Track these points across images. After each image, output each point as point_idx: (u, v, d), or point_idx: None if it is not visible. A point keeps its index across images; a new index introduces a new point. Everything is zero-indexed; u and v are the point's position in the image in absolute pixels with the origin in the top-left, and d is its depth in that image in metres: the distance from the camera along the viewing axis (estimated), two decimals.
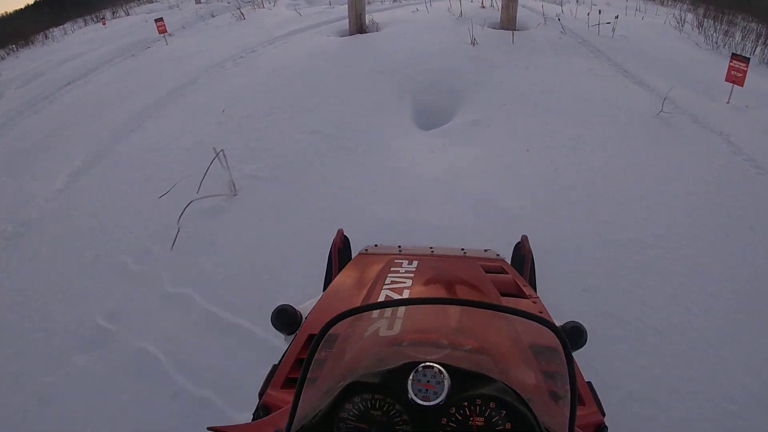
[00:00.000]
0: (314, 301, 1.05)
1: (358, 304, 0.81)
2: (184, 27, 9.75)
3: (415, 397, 0.53)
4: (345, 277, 1.11)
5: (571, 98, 4.59)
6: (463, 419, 0.52)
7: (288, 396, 0.70)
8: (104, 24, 13.99)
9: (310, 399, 0.59)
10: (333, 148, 3.98)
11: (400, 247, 1.27)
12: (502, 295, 0.98)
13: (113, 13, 16.36)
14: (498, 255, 1.25)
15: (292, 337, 0.96)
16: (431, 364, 0.54)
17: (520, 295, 1.02)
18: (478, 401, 0.52)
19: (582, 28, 6.81)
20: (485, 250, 1.27)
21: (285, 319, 0.96)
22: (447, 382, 0.53)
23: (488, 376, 0.54)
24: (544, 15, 7.15)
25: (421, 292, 0.95)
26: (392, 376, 0.54)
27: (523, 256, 1.43)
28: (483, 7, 8.09)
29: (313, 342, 0.57)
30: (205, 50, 7.38)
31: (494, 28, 6.73)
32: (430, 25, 6.77)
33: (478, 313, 0.68)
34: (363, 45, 6.17)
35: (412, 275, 1.02)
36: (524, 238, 1.47)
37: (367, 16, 7.11)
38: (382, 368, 0.56)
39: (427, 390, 0.52)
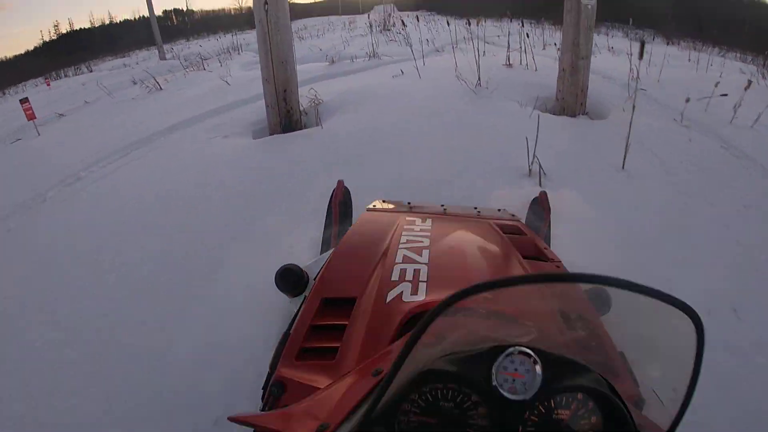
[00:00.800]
0: (320, 260, 0.99)
1: (373, 264, 0.81)
2: (87, 102, 6.97)
3: (501, 389, 0.43)
4: (354, 235, 0.99)
5: None
6: (546, 412, 0.44)
7: (304, 370, 0.63)
8: (48, 85, 12.29)
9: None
10: None
11: (409, 203, 1.19)
12: (524, 258, 0.88)
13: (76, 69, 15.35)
14: (513, 215, 1.20)
15: (299, 299, 0.90)
16: (523, 349, 0.43)
17: (542, 258, 0.94)
18: (566, 392, 0.44)
19: (680, 103, 3.61)
20: (498, 210, 1.21)
21: (291, 279, 0.91)
22: (539, 373, 0.42)
23: (582, 364, 0.45)
24: (627, 85, 4.09)
25: (442, 252, 0.85)
26: (475, 362, 0.44)
27: (540, 212, 1.45)
28: (509, 65, 5.17)
29: (426, 317, 0.38)
30: (84, 142, 4.50)
31: (549, 112, 3.73)
32: (426, 106, 3.75)
33: (545, 291, 0.52)
34: (278, 168, 3.05)
35: (428, 234, 0.93)
36: (543, 195, 1.43)
37: (307, 92, 4.09)
38: (462, 353, 0.45)
39: (514, 380, 0.43)
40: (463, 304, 0.38)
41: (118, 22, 24.09)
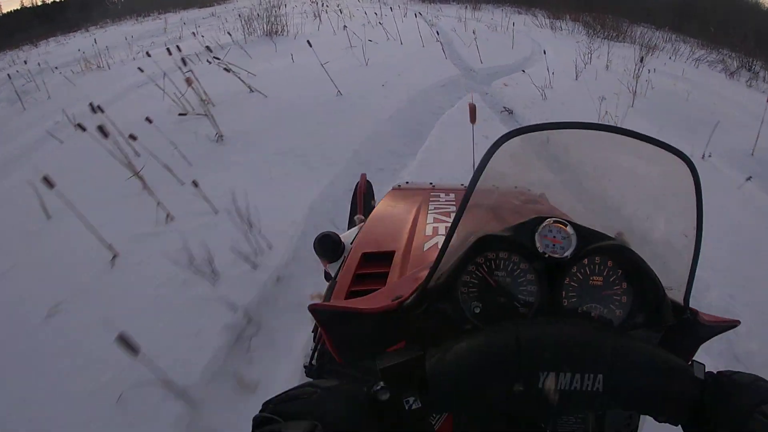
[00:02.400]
0: (353, 231, 1.07)
1: (407, 225, 0.91)
2: None
3: (545, 251, 0.49)
4: (385, 206, 1.12)
5: None
6: (583, 278, 0.50)
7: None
8: None
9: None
10: None
11: (432, 183, 1.26)
12: None
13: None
14: (529, 190, 1.05)
15: (336, 264, 0.97)
16: (558, 219, 0.50)
17: None
18: (597, 260, 0.50)
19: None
20: (515, 187, 1.04)
21: (329, 245, 0.98)
22: (574, 237, 0.49)
23: (608, 235, 0.51)
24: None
25: (469, 218, 0.73)
26: (521, 231, 0.50)
27: None
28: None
29: (486, 155, 0.47)
30: None
31: None
32: None
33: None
34: None
35: (454, 203, 1.03)
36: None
37: None
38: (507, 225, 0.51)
39: (554, 245, 0.49)
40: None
41: None
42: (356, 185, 1.61)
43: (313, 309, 0.49)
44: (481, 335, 0.42)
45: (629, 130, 0.48)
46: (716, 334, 0.52)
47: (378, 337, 0.50)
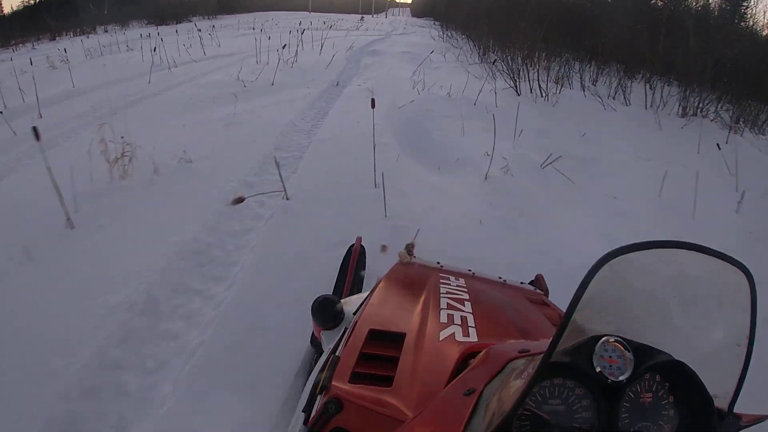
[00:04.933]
0: (353, 299, 1.04)
1: (418, 307, 0.86)
2: None
3: (604, 372, 0.47)
4: (393, 281, 1.04)
5: None
6: (635, 396, 0.49)
7: (360, 392, 0.63)
8: None
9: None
10: None
11: (439, 263, 1.18)
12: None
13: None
14: (535, 289, 1.21)
15: (332, 333, 0.92)
16: (614, 337, 0.48)
17: None
18: (647, 376, 0.49)
19: None
20: (521, 283, 1.23)
21: (330, 310, 0.93)
22: (630, 356, 0.47)
23: (657, 349, 0.50)
24: None
25: (483, 306, 0.90)
26: (579, 353, 0.47)
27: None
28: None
29: (595, 266, 0.44)
30: None
31: None
32: None
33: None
34: None
35: (465, 290, 0.97)
36: (540, 277, 1.38)
37: None
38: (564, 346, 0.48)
39: (611, 366, 0.47)
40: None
41: None
42: (350, 247, 1.58)
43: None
44: None
45: (699, 246, 0.47)
46: (747, 427, 0.52)
47: None
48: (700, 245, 0.48)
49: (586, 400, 0.48)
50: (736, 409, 0.50)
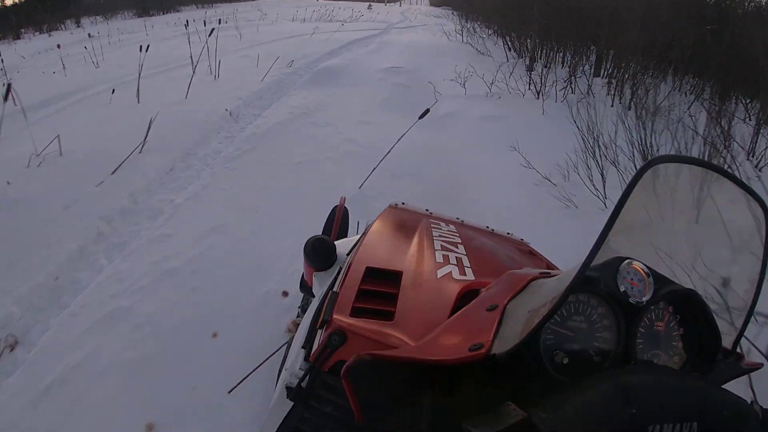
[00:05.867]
0: (346, 242, 1.02)
1: (413, 246, 0.86)
2: None
3: (628, 292, 0.49)
4: (385, 223, 1.02)
5: None
6: (649, 324, 0.50)
7: (363, 325, 0.63)
8: None
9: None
10: None
11: (428, 209, 1.18)
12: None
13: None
14: (522, 239, 1.22)
15: (325, 274, 0.92)
16: (637, 261, 0.50)
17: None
18: (661, 305, 0.51)
19: None
20: (507, 233, 1.23)
21: (324, 250, 0.92)
22: (651, 281, 0.49)
23: (673, 281, 0.52)
24: None
25: (476, 250, 0.91)
26: (603, 272, 0.49)
27: None
28: None
29: (635, 177, 0.44)
30: None
31: None
32: None
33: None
34: None
35: (457, 234, 0.98)
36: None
37: None
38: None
39: (633, 287, 0.49)
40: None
41: None
42: (333, 208, 1.52)
43: (369, 359, 0.43)
44: (587, 392, 0.39)
45: (732, 175, 0.50)
46: (744, 374, 0.53)
47: (420, 390, 0.47)
48: (733, 174, 0.50)
49: (607, 320, 0.49)
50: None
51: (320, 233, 1.18)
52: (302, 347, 0.68)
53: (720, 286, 0.53)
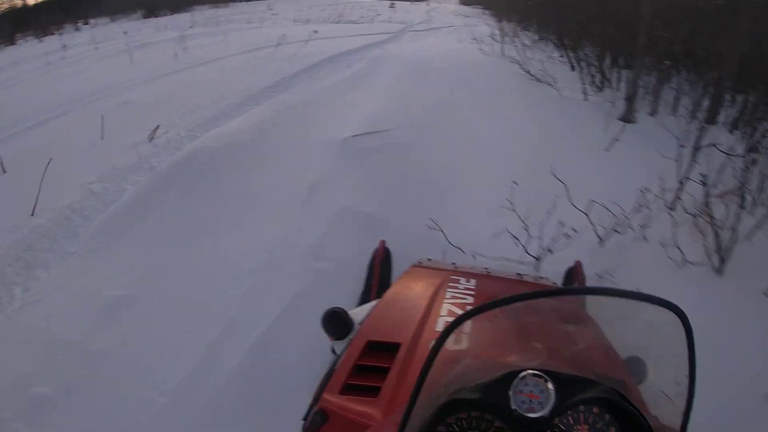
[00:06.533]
0: (365, 308, 1.05)
1: (418, 315, 0.89)
2: None
3: (519, 409, 0.49)
4: (402, 287, 1.09)
5: None
6: (567, 429, 0.50)
7: (347, 404, 0.69)
8: None
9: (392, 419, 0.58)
10: None
11: (454, 263, 1.23)
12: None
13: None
14: (554, 283, 1.20)
15: (342, 343, 0.94)
16: (534, 372, 0.49)
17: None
18: (581, 408, 0.49)
19: None
20: (540, 277, 1.21)
21: (338, 322, 0.95)
22: (552, 391, 0.48)
23: (591, 380, 0.51)
24: None
25: (477, 322, 0.86)
26: (492, 389, 0.50)
27: (573, 282, 1.49)
28: None
29: (437, 341, 0.50)
30: None
31: None
32: None
33: (549, 314, 0.69)
34: None
35: (473, 293, 1.01)
36: (578, 263, 1.37)
37: None
38: (478, 381, 0.51)
39: (531, 401, 0.48)
40: (474, 324, 0.48)
41: None
42: (374, 252, 1.51)
43: None
44: None
45: (620, 290, 0.49)
46: None
47: None
48: (634, 292, 0.49)
49: None
50: None
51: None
52: (302, 419, 0.73)
53: (653, 388, 0.54)
